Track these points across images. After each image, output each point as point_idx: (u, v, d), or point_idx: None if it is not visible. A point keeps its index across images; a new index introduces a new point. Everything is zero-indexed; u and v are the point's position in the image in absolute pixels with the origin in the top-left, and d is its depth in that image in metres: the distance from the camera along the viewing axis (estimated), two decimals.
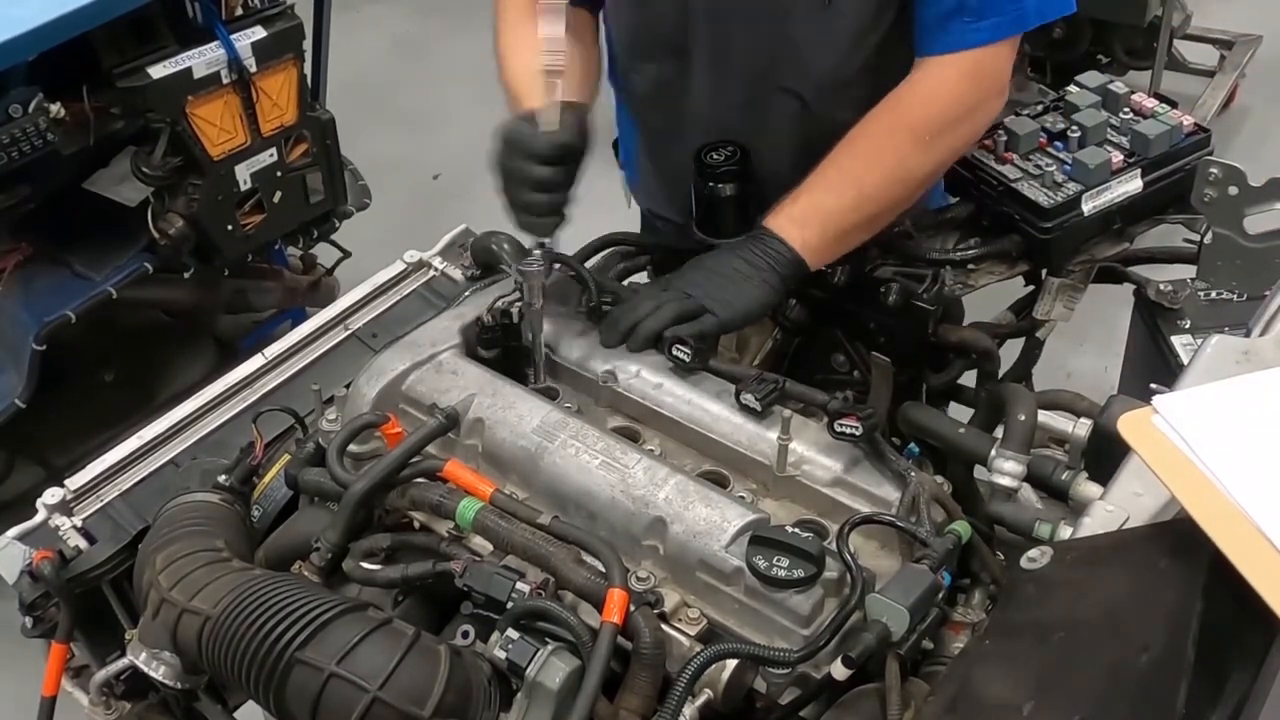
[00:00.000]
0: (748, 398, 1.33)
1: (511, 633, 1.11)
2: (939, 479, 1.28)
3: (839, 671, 1.08)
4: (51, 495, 1.49)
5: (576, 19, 1.60)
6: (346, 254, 3.30)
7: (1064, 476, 1.26)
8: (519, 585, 1.14)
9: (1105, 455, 1.24)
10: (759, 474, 1.32)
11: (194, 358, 3.22)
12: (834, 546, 1.17)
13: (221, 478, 1.43)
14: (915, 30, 1.55)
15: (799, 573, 1.12)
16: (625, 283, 1.72)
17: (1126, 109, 1.73)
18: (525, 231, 1.46)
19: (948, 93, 1.53)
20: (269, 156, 2.86)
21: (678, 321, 1.42)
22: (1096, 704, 0.91)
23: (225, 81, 2.68)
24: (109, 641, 1.48)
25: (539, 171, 1.41)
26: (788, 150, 1.66)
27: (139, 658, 1.27)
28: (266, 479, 1.45)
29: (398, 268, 1.79)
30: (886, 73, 1.58)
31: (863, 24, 1.56)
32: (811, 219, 1.49)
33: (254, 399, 1.63)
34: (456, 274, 1.76)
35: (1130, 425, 1.03)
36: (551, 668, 1.09)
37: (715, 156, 1.55)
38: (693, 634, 1.16)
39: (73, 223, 2.83)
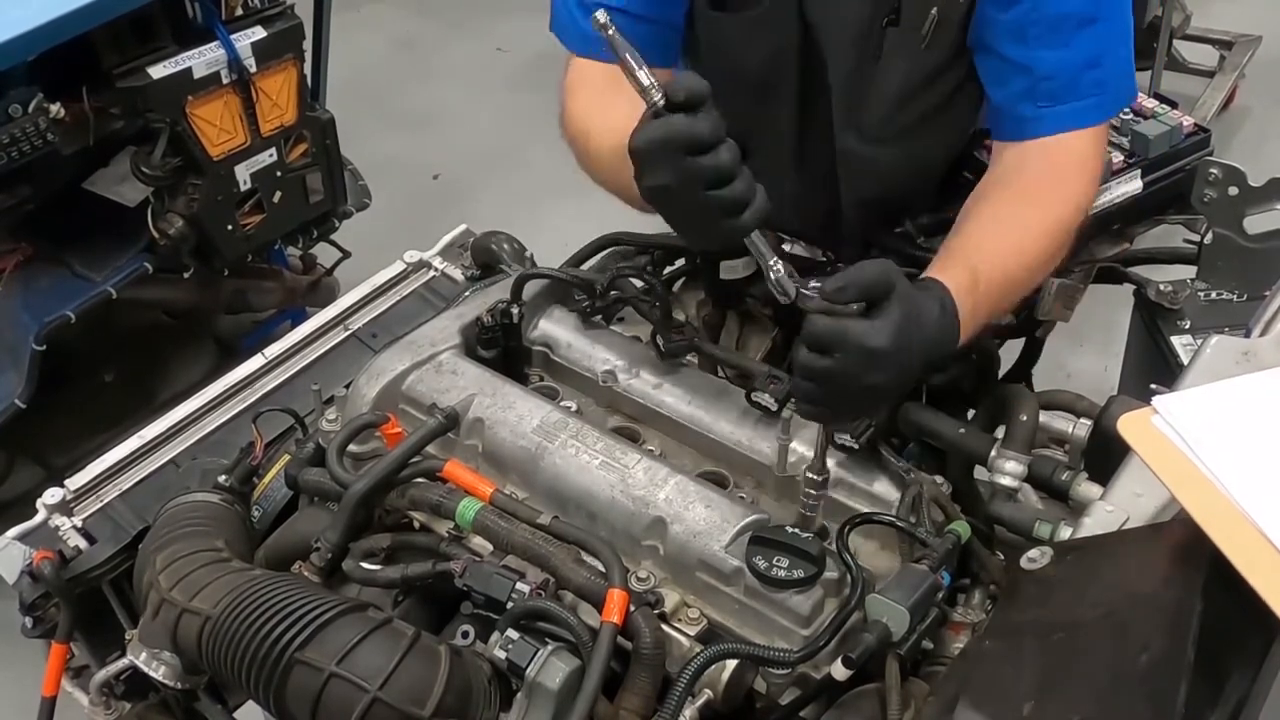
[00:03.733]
0: (763, 396, 1.33)
1: (511, 633, 1.11)
2: (939, 479, 1.28)
3: (839, 672, 1.08)
4: (51, 495, 1.49)
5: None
6: (346, 254, 3.29)
7: (1064, 477, 1.26)
8: (519, 585, 1.14)
9: (1105, 455, 1.24)
10: (759, 474, 1.32)
11: (194, 358, 3.22)
12: (834, 546, 1.17)
13: (221, 478, 1.43)
14: (998, 115, 1.47)
15: (799, 573, 1.13)
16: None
17: (1126, 109, 1.73)
18: (740, 236, 1.14)
19: (1075, 173, 1.43)
20: (269, 156, 2.85)
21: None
22: (1096, 704, 0.91)
23: (225, 81, 2.67)
24: (109, 641, 1.48)
25: (714, 159, 1.09)
26: (846, 203, 1.63)
27: (139, 658, 1.27)
28: (266, 479, 1.46)
29: (398, 268, 1.80)
30: (927, 139, 1.55)
31: (911, 82, 1.50)
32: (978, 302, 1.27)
33: (254, 399, 1.64)
34: (456, 274, 1.77)
35: (1130, 425, 1.03)
36: (551, 668, 1.09)
37: None
38: (693, 634, 1.16)
39: (73, 223, 2.82)
